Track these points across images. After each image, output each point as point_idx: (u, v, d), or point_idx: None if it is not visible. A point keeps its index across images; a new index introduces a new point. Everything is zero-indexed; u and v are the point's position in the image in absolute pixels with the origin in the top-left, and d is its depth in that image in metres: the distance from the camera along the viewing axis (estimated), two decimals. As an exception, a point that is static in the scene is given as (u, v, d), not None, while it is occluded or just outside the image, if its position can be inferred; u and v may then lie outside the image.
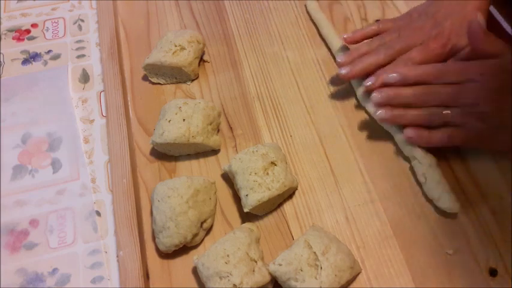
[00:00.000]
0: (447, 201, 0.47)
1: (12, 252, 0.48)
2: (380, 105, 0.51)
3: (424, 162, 0.49)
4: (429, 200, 0.49)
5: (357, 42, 0.58)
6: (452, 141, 0.49)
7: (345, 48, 0.60)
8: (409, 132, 0.50)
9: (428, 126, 0.50)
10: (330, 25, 0.63)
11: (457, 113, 0.48)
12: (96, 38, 0.65)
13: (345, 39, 0.58)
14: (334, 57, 0.61)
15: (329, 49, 0.62)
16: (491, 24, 0.64)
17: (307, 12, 0.66)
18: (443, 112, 0.48)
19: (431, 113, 0.49)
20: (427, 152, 0.50)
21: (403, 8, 0.66)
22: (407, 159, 0.52)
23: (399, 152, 0.52)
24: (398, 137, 0.52)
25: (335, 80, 0.59)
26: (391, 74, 0.50)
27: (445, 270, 0.45)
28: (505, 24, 0.63)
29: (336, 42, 0.61)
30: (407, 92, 0.49)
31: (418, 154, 0.50)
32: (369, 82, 0.53)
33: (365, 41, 0.57)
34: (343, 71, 0.54)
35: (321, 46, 0.62)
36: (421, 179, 0.49)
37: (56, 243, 0.49)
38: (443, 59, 0.53)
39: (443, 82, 0.49)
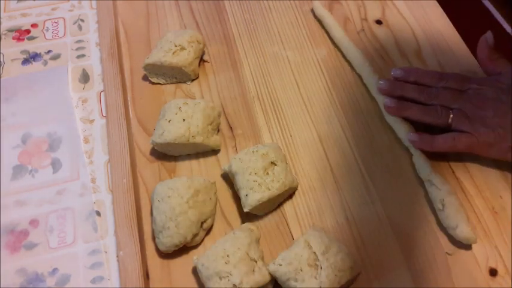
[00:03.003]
0: (464, 231, 0.45)
1: (12, 252, 0.48)
2: (386, 91, 0.53)
3: (443, 188, 0.47)
4: (430, 202, 0.49)
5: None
6: (456, 146, 0.48)
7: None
8: (413, 136, 0.50)
9: (432, 130, 0.50)
10: (338, 26, 0.62)
11: (459, 116, 0.49)
12: (96, 38, 0.65)
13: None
14: (342, 53, 0.61)
15: (336, 46, 0.62)
16: (491, 24, 0.64)
17: (313, 12, 0.65)
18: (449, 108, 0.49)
19: (436, 109, 0.50)
20: (444, 179, 0.49)
21: (403, 8, 0.66)
22: (407, 159, 0.52)
23: (399, 152, 0.52)
24: (416, 159, 0.51)
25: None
26: (396, 70, 0.54)
27: (445, 270, 0.45)
28: (505, 25, 0.63)
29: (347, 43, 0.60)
30: (412, 86, 0.52)
31: (437, 180, 0.48)
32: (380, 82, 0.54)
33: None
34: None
35: (321, 46, 0.62)
36: (438, 206, 0.47)
37: (56, 243, 0.49)
38: None
39: (444, 86, 0.51)
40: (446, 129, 0.50)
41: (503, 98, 0.49)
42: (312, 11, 0.66)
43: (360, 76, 0.59)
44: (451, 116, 0.49)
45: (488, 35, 0.53)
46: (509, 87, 0.49)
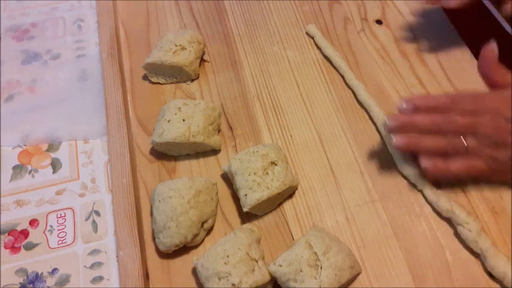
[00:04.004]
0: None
1: (12, 252, 0.48)
2: (394, 130, 0.47)
3: (473, 229, 0.45)
4: (429, 201, 0.49)
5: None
6: (471, 172, 0.45)
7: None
8: (425, 162, 0.46)
9: (444, 156, 0.46)
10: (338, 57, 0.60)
11: (475, 143, 0.45)
12: (95, 38, 0.65)
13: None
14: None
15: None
16: (491, 23, 0.64)
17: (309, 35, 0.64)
18: (463, 140, 0.45)
19: (449, 141, 0.45)
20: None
21: (403, 8, 0.66)
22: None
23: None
24: (428, 193, 0.48)
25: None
26: (403, 103, 0.47)
27: (445, 270, 0.45)
28: (505, 24, 0.63)
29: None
30: (422, 118, 0.46)
31: (462, 217, 0.45)
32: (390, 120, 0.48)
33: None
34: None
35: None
36: (476, 249, 0.45)
37: (56, 243, 0.49)
38: None
39: (457, 110, 0.46)
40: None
41: None
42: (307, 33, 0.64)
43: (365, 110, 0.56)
44: (468, 144, 0.45)
45: (493, 46, 0.47)
46: None
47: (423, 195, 0.49)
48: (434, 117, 0.46)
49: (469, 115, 0.45)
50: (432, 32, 0.63)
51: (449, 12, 0.64)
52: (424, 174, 0.48)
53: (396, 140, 0.47)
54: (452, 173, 0.46)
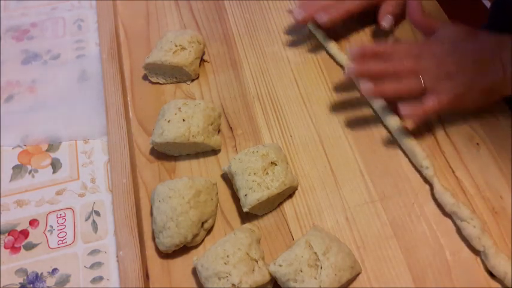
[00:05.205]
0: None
1: (12, 252, 0.48)
2: (355, 74, 0.53)
3: (477, 225, 0.45)
4: (429, 200, 0.49)
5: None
6: (441, 105, 0.50)
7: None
8: (404, 108, 0.50)
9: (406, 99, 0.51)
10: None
11: (429, 80, 0.50)
12: (95, 38, 0.65)
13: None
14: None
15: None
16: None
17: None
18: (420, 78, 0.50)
19: (410, 80, 0.51)
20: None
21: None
22: (407, 159, 0.52)
23: (399, 151, 0.52)
24: (436, 185, 0.49)
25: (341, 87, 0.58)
26: (352, 51, 0.53)
27: (445, 270, 0.45)
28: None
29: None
30: (379, 63, 0.53)
31: (467, 213, 0.46)
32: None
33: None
34: (298, 13, 0.59)
35: (321, 46, 0.62)
36: (478, 247, 0.45)
37: (56, 243, 0.49)
38: None
39: (402, 56, 0.53)
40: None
41: (456, 50, 0.51)
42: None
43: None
44: (424, 81, 0.50)
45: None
46: (453, 39, 0.52)
47: (430, 187, 0.49)
48: (386, 63, 0.52)
49: (413, 58, 0.52)
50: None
51: (449, 12, 0.64)
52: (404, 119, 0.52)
53: (363, 86, 0.51)
54: (428, 108, 0.49)
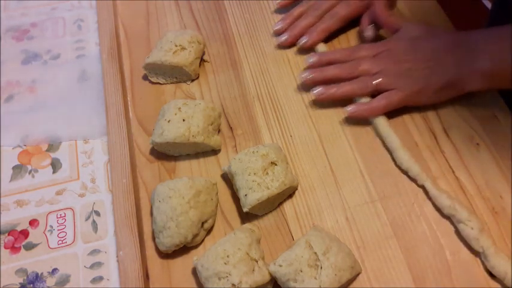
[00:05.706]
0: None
1: (12, 252, 0.48)
2: (312, 82, 0.56)
3: (475, 227, 0.45)
4: (429, 199, 0.49)
5: (287, 5, 0.65)
6: (391, 102, 0.52)
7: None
8: (350, 108, 0.53)
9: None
10: None
11: (387, 76, 0.53)
12: (95, 38, 0.65)
13: (278, 3, 0.66)
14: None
15: None
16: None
17: None
18: (372, 76, 0.53)
19: (362, 80, 0.54)
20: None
21: (403, 8, 0.66)
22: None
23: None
24: (430, 189, 0.48)
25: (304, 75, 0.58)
26: (309, 58, 0.57)
27: (445, 270, 0.45)
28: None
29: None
30: (333, 67, 0.55)
31: (464, 214, 0.46)
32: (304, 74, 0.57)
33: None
34: (283, 37, 0.61)
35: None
36: (477, 248, 0.45)
37: (56, 243, 0.49)
38: (363, 11, 0.61)
39: (358, 56, 0.56)
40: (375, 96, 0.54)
41: (413, 48, 0.53)
42: None
43: None
44: (377, 80, 0.53)
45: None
46: (412, 37, 0.54)
47: (424, 192, 0.49)
48: (341, 65, 0.56)
49: (371, 57, 0.55)
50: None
51: (450, 12, 0.65)
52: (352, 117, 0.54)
53: (317, 91, 0.55)
54: (376, 108, 0.53)
